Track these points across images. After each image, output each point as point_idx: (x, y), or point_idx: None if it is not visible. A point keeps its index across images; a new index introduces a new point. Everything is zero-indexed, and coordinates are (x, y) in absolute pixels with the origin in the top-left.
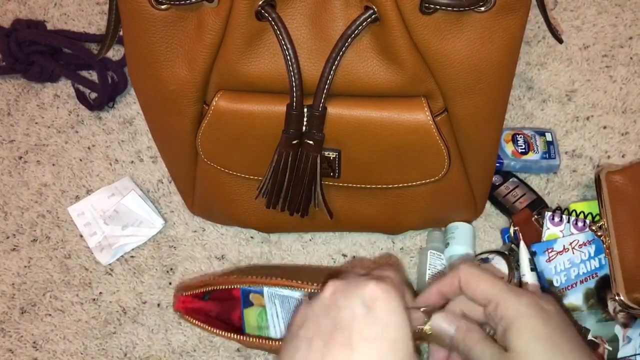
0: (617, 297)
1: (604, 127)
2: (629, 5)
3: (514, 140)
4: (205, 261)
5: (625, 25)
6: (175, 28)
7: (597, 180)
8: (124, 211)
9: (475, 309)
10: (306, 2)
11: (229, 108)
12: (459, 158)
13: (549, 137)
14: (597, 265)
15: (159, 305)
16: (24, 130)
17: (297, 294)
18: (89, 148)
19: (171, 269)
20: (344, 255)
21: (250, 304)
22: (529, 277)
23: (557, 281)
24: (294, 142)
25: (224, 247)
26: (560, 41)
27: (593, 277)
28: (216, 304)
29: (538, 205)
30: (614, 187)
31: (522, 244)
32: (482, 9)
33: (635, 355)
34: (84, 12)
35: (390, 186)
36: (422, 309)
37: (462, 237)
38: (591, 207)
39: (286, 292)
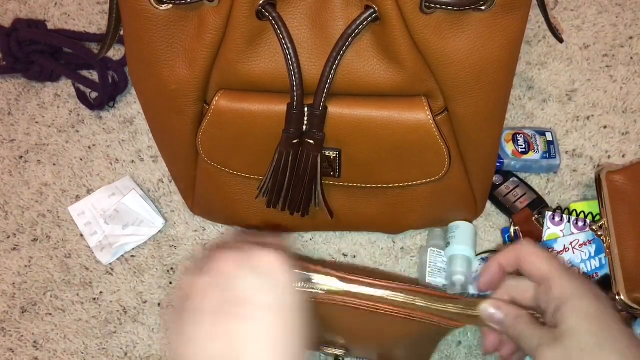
0: (617, 297)
1: (605, 127)
2: (630, 5)
3: (515, 139)
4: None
5: (625, 25)
6: (175, 27)
7: (598, 180)
8: (124, 211)
9: (525, 294)
10: (307, 2)
11: (229, 107)
12: (459, 157)
13: (549, 136)
14: (598, 265)
15: (159, 304)
16: (25, 130)
17: None
18: (89, 147)
19: (172, 269)
20: (345, 255)
21: None
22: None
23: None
24: (295, 141)
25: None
26: (561, 41)
27: (593, 277)
28: None
29: (538, 204)
30: (614, 186)
31: None
32: (483, 8)
33: None
34: (84, 12)
35: (391, 185)
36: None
37: (462, 237)
38: (591, 206)
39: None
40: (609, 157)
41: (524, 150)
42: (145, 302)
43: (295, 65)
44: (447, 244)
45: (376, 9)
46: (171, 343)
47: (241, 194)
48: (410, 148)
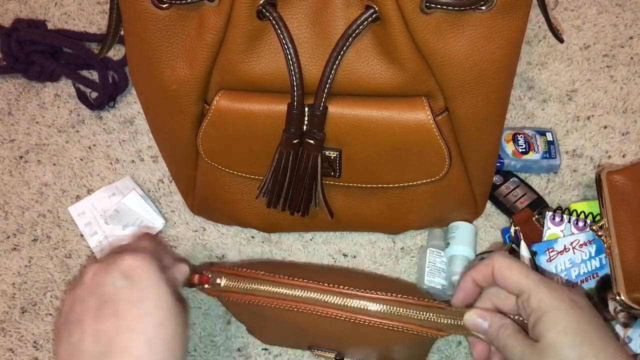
0: (617, 297)
1: (605, 127)
2: (630, 5)
3: (515, 140)
4: (206, 261)
5: (625, 25)
6: (176, 27)
7: (598, 180)
8: (124, 211)
9: (506, 300)
10: (307, 2)
11: (229, 107)
12: (459, 158)
13: (549, 136)
14: (598, 265)
15: None
16: (25, 130)
17: None
18: (89, 147)
19: None
20: (345, 255)
21: None
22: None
23: (558, 281)
24: (295, 141)
25: (225, 247)
26: (561, 41)
27: (594, 277)
28: None
29: (539, 205)
30: (614, 187)
31: (522, 243)
32: (483, 8)
33: (636, 355)
34: (84, 12)
35: (391, 186)
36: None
37: (463, 237)
38: (592, 207)
39: None
40: (609, 157)
41: (524, 150)
42: None
43: (295, 65)
44: (447, 244)
45: (376, 9)
46: (55, 356)
47: (241, 194)
48: (410, 148)
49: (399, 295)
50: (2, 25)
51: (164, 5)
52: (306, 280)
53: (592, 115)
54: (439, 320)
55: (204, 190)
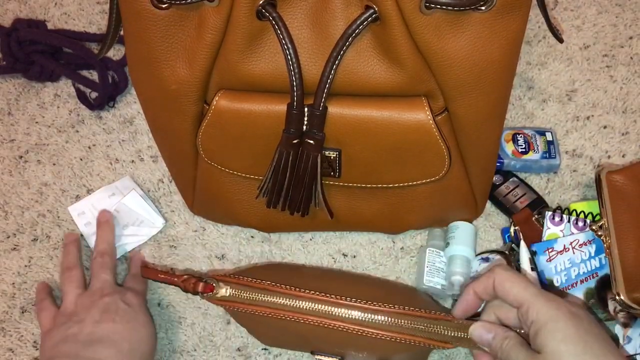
0: (617, 297)
1: (604, 127)
2: (629, 5)
3: (515, 139)
4: (206, 260)
5: (625, 25)
6: (176, 27)
7: (598, 180)
8: (124, 211)
9: (509, 313)
10: (307, 2)
11: (229, 107)
12: (459, 157)
13: (549, 136)
14: (598, 265)
15: (159, 304)
16: (25, 130)
17: None
18: (89, 147)
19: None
20: (344, 255)
21: None
22: (529, 276)
23: (558, 281)
24: (295, 141)
25: (225, 247)
26: (561, 41)
27: (593, 277)
28: None
29: (538, 204)
30: (614, 186)
31: (522, 243)
32: (483, 8)
33: (635, 355)
34: (84, 12)
35: (391, 186)
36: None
37: (463, 237)
38: (591, 206)
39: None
40: (609, 157)
41: (524, 150)
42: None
43: (295, 65)
44: (447, 244)
45: (376, 9)
46: (43, 342)
47: (241, 194)
48: (410, 148)
49: (407, 308)
50: (2, 25)
51: (164, 5)
52: (313, 292)
53: (592, 115)
54: (445, 333)
55: (203, 190)
